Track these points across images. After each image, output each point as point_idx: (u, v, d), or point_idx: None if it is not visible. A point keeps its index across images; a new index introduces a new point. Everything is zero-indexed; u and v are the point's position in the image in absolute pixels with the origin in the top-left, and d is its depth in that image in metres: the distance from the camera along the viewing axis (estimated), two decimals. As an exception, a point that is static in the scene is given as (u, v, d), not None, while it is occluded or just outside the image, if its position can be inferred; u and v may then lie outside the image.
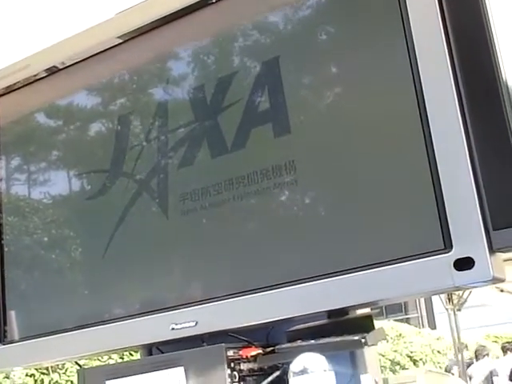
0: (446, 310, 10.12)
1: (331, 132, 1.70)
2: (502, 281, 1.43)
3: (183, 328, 1.74)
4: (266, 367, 1.69)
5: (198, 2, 1.90)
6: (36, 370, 5.50)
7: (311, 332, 1.64)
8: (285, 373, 1.58)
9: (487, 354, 9.88)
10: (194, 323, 1.73)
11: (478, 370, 9.48)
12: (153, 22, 1.98)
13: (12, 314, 2.14)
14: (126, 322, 1.87)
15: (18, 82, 2.23)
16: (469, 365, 10.19)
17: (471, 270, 1.39)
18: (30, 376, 5.53)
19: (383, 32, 1.64)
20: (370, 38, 1.66)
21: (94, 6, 2.28)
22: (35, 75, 2.20)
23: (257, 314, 1.66)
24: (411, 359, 11.06)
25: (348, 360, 1.66)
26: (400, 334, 11.24)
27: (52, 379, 5.63)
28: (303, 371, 1.45)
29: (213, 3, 1.89)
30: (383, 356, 10.15)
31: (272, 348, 1.67)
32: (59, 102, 2.21)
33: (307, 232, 1.67)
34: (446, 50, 1.48)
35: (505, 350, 9.98)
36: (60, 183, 2.18)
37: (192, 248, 1.85)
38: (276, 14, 1.82)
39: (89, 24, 2.09)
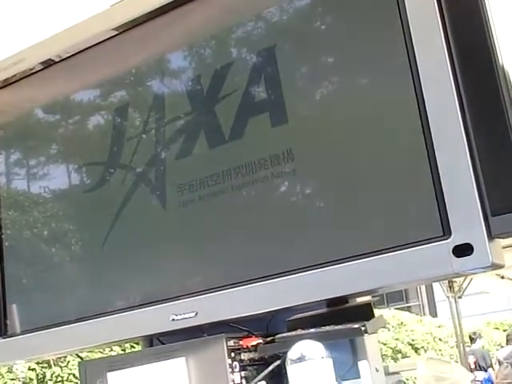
0: (447, 297, 10.14)
1: (328, 121, 1.70)
2: (502, 267, 1.42)
3: (183, 319, 1.74)
4: (266, 357, 1.69)
5: (193, -8, 1.89)
6: (37, 363, 5.51)
7: (311, 321, 1.64)
8: (285, 362, 1.59)
9: None
10: (193, 314, 1.73)
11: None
12: (148, 13, 1.97)
13: (13, 308, 2.14)
14: (126, 313, 1.87)
15: (14, 76, 2.22)
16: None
17: (470, 257, 1.39)
18: (32, 370, 5.54)
19: (380, 20, 1.63)
20: (367, 27, 1.66)
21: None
22: (31, 69, 2.20)
23: (257, 304, 1.67)
24: (413, 347, 11.09)
25: (348, 348, 1.66)
26: (401, 323, 11.26)
27: (54, 373, 5.64)
28: (301, 358, 1.45)
29: (208, -7, 1.89)
30: (385, 344, 10.17)
31: (272, 337, 1.68)
32: (56, 95, 2.20)
33: (306, 221, 1.67)
34: (444, 40, 1.47)
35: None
36: (58, 177, 2.18)
37: (191, 238, 1.85)
38: (272, 2, 1.81)
39: (84, 16, 2.08)
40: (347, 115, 1.66)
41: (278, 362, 1.65)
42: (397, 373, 1.74)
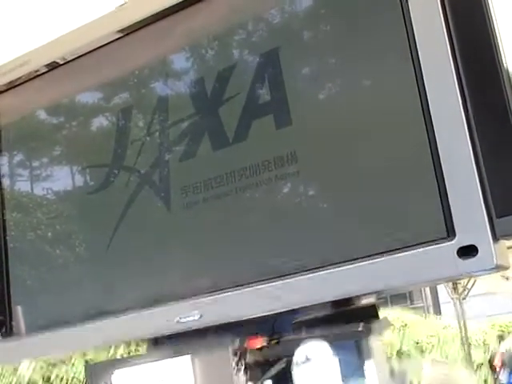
0: (452, 299, 10.13)
1: (332, 122, 1.70)
2: (506, 268, 1.42)
3: (188, 321, 1.74)
4: (271, 358, 1.70)
5: (196, -6, 1.90)
6: (44, 363, 5.51)
7: (316, 322, 1.64)
8: (290, 363, 1.59)
9: None
10: (199, 315, 1.73)
11: None
12: (153, 16, 1.97)
13: (18, 309, 2.14)
14: (130, 315, 1.87)
15: (19, 78, 2.23)
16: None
17: (475, 258, 1.39)
18: (40, 368, 5.55)
19: (383, 21, 1.64)
20: (371, 29, 1.66)
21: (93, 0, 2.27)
22: (36, 71, 2.20)
23: (261, 306, 1.66)
24: (417, 349, 11.07)
25: (353, 350, 1.66)
26: (406, 324, 11.25)
27: (60, 373, 5.64)
28: (307, 360, 1.46)
29: (212, -5, 1.89)
30: (389, 346, 10.15)
31: (277, 339, 1.68)
32: (60, 97, 2.21)
33: (310, 222, 1.67)
34: (448, 43, 1.47)
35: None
36: (62, 178, 2.18)
37: (195, 240, 1.85)
38: (275, 4, 1.82)
39: (89, 18, 2.09)
40: (351, 117, 1.66)
41: (284, 363, 1.65)
42: (402, 374, 1.74)
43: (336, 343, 1.52)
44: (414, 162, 1.53)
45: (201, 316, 1.73)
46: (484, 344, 11.94)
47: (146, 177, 1.93)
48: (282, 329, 1.71)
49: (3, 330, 2.11)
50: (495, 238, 1.39)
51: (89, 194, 2.06)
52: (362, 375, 1.59)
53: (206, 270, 1.82)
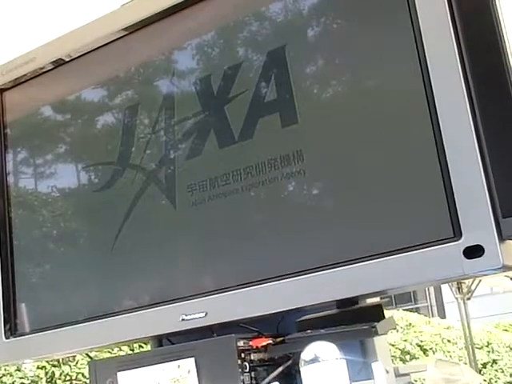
0: (456, 299, 10.10)
1: (339, 121, 1.69)
2: (512, 268, 1.42)
3: (193, 319, 1.74)
4: (276, 357, 1.69)
5: (203, -8, 1.90)
6: (47, 362, 5.51)
7: (321, 321, 1.64)
8: (295, 363, 1.58)
9: None
10: (203, 314, 1.73)
11: None
12: (158, 13, 1.97)
13: (22, 307, 2.14)
14: (135, 313, 1.87)
15: (25, 75, 2.23)
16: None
17: (481, 258, 1.39)
18: (42, 368, 5.54)
19: (391, 19, 1.63)
20: (378, 27, 1.65)
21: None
22: (41, 68, 2.20)
23: (267, 305, 1.66)
24: (421, 348, 11.05)
25: (358, 349, 1.66)
26: (410, 324, 11.22)
27: (63, 371, 5.64)
28: (314, 359, 1.45)
29: (218, -7, 1.89)
30: (393, 345, 10.14)
31: (282, 338, 1.68)
32: (66, 94, 2.21)
33: (317, 221, 1.67)
34: (456, 46, 1.47)
35: None
36: (68, 176, 2.18)
37: (201, 239, 1.85)
38: (282, 2, 1.81)
39: (94, 16, 2.09)
40: (358, 116, 1.66)
41: (289, 363, 1.65)
42: (406, 374, 1.73)
43: (342, 343, 1.51)
44: (420, 162, 1.53)
45: (206, 314, 1.72)
46: (488, 344, 11.91)
47: (151, 175, 1.93)
48: (287, 328, 1.70)
49: (7, 327, 2.11)
50: (501, 238, 1.38)
51: (94, 192, 2.06)
52: (368, 375, 1.58)
53: (211, 268, 1.82)
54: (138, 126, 2.01)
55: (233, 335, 1.65)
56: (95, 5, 2.11)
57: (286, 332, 1.68)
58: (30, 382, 5.44)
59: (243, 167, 1.75)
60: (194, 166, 1.86)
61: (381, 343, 1.68)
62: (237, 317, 1.71)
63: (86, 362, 2.00)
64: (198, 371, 1.68)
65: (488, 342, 11.84)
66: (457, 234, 1.42)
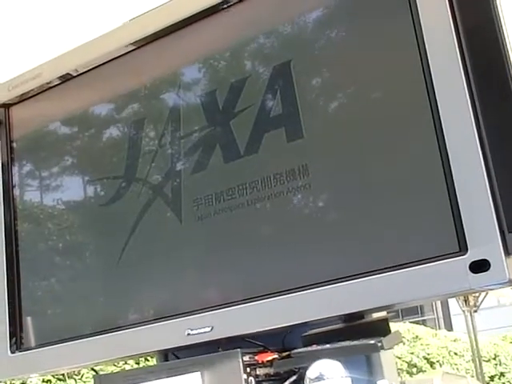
0: (463, 311, 10.07)
1: (344, 135, 1.70)
2: (519, 282, 1.42)
3: (199, 333, 1.74)
4: (282, 372, 1.69)
5: (209, 8, 1.90)
6: (52, 376, 5.51)
7: (327, 336, 1.63)
8: (301, 377, 1.58)
9: None
10: (209, 328, 1.73)
11: None
12: (165, 29, 1.98)
13: (28, 321, 2.14)
14: (141, 327, 1.87)
15: (32, 90, 2.24)
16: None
17: (487, 273, 1.39)
18: (47, 382, 5.55)
19: (395, 34, 1.64)
20: (383, 42, 1.66)
21: (106, 13, 2.29)
22: (48, 83, 2.21)
23: (273, 319, 1.66)
24: (428, 361, 11.01)
25: (364, 364, 1.65)
26: (416, 336, 11.19)
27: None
28: (319, 377, 1.45)
29: (224, 9, 1.90)
30: (400, 358, 10.10)
31: (288, 352, 1.67)
32: (73, 109, 2.21)
33: (322, 236, 1.67)
34: (462, 68, 1.48)
35: None
36: (74, 190, 2.19)
37: (207, 253, 1.85)
38: (287, 17, 1.82)
39: (101, 31, 2.10)
40: (363, 130, 1.66)
41: (294, 378, 1.65)
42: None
43: (347, 358, 1.51)
44: (426, 178, 1.53)
45: (212, 328, 1.72)
46: (495, 357, 11.86)
47: (157, 189, 1.93)
48: (293, 342, 1.70)
49: (13, 341, 2.11)
50: (507, 253, 1.38)
51: (101, 206, 2.07)
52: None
53: (217, 282, 1.82)
54: (144, 140, 2.02)
55: (238, 350, 1.65)
56: (102, 20, 2.12)
57: (292, 346, 1.67)
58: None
59: (249, 182, 1.76)
60: (199, 181, 1.87)
61: (387, 357, 1.68)
62: (243, 331, 1.70)
63: (92, 376, 2.00)
64: (203, 385, 1.68)
65: (495, 355, 11.78)
66: (463, 248, 1.42)
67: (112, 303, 2.02)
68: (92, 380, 1.95)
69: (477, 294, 9.53)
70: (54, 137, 2.28)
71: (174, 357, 1.90)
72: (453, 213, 1.45)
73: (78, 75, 2.16)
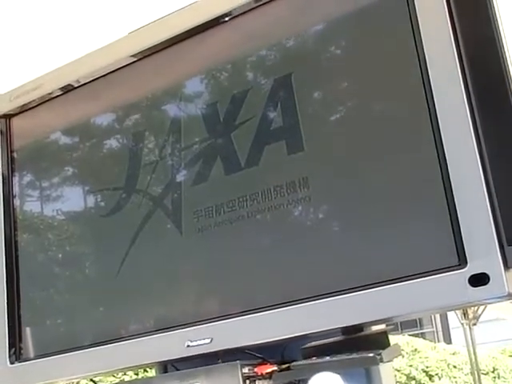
0: (462, 324, 10.05)
1: (344, 149, 1.70)
2: (518, 296, 1.42)
3: (198, 345, 1.74)
4: (282, 384, 1.69)
5: (210, 20, 1.91)
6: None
7: (326, 348, 1.63)
8: (300, 390, 1.58)
9: None
10: (209, 340, 1.72)
11: None
12: (166, 41, 1.99)
13: (27, 332, 2.14)
14: (140, 339, 1.87)
15: (33, 101, 2.25)
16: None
17: (486, 286, 1.39)
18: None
19: (395, 48, 1.64)
20: (382, 55, 1.66)
21: (108, 25, 2.30)
22: (49, 94, 2.22)
23: (272, 331, 1.66)
24: (427, 374, 10.98)
25: (364, 377, 1.65)
26: (415, 349, 11.16)
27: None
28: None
29: (225, 22, 1.90)
30: (399, 371, 10.08)
31: (287, 365, 1.67)
32: (74, 120, 2.22)
33: (321, 248, 1.67)
34: (462, 81, 1.48)
35: None
36: (74, 200, 2.19)
37: (207, 265, 1.85)
38: (288, 31, 1.83)
39: (102, 43, 2.11)
40: (363, 143, 1.66)
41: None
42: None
43: (347, 371, 1.51)
44: (425, 191, 1.53)
45: (211, 340, 1.72)
46: (494, 370, 11.82)
47: (158, 200, 1.94)
48: (292, 355, 1.70)
49: (12, 352, 2.11)
50: (506, 266, 1.38)
51: (101, 217, 2.07)
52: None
53: (217, 294, 1.82)
54: (145, 151, 2.02)
55: (238, 362, 1.65)
56: (103, 32, 2.13)
57: (291, 359, 1.67)
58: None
59: (249, 194, 1.76)
60: (200, 192, 1.87)
61: (386, 370, 1.68)
62: (242, 343, 1.70)
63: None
64: (202, 397, 1.67)
65: (494, 368, 11.74)
66: (462, 261, 1.42)
67: (111, 314, 2.01)
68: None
69: (476, 308, 9.51)
70: (55, 147, 2.28)
71: (174, 368, 1.90)
72: (452, 226, 1.45)
73: (79, 86, 2.17)
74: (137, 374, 5.15)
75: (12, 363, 2.10)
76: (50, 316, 2.16)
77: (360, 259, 1.61)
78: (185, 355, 1.77)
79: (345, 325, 1.59)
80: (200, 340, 1.73)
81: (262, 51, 1.89)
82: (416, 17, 1.57)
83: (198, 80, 2.00)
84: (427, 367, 11.02)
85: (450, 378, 11.26)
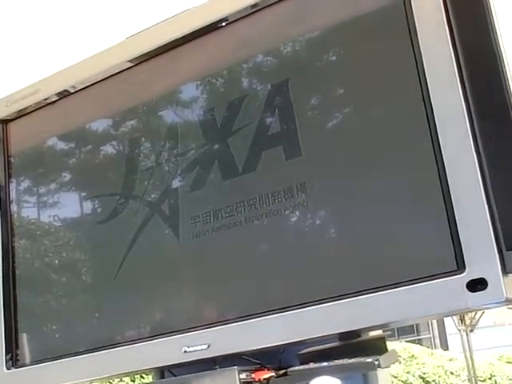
0: (459, 330, 10.07)
1: (342, 154, 1.70)
2: (516, 301, 1.42)
3: (195, 351, 1.73)
4: (279, 390, 1.68)
5: (207, 25, 1.91)
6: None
7: (324, 354, 1.63)
8: (298, 396, 1.58)
9: None
10: (206, 346, 1.72)
11: None
12: (163, 46, 1.99)
13: (24, 338, 2.14)
14: (137, 345, 1.86)
15: (30, 106, 2.25)
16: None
17: (484, 292, 1.38)
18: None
19: (393, 53, 1.65)
20: (381, 61, 1.66)
21: (104, 30, 2.30)
22: (46, 99, 2.22)
23: (270, 337, 1.66)
24: (424, 380, 10.98)
25: (361, 382, 1.65)
26: (412, 355, 11.16)
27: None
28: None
29: (222, 27, 1.90)
30: (396, 377, 10.08)
31: (285, 370, 1.67)
32: (71, 125, 2.22)
33: (319, 254, 1.67)
34: (461, 92, 1.48)
35: None
36: (71, 207, 2.19)
37: (204, 271, 1.85)
38: (285, 36, 1.83)
39: (99, 48, 2.11)
40: (361, 148, 1.66)
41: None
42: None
43: (344, 376, 1.50)
44: (424, 195, 1.53)
45: (208, 346, 1.72)
46: (491, 376, 11.83)
47: (155, 206, 1.93)
48: (290, 360, 1.70)
49: (8, 358, 2.10)
50: (505, 271, 1.38)
51: (98, 223, 2.07)
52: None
53: (214, 300, 1.82)
54: (142, 158, 2.02)
55: (235, 367, 1.65)
56: (100, 37, 2.13)
57: (289, 364, 1.67)
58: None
59: (247, 199, 1.76)
60: (197, 198, 1.87)
61: (383, 376, 1.67)
62: (239, 349, 1.70)
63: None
64: (199, 404, 1.67)
65: (491, 375, 11.75)
66: (460, 266, 1.42)
67: (108, 320, 2.01)
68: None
69: (473, 314, 9.52)
70: (52, 153, 2.28)
71: (170, 374, 1.89)
72: (451, 231, 1.44)
73: (76, 92, 2.17)
74: (133, 381, 5.14)
75: (8, 369, 2.09)
76: (47, 322, 2.15)
77: (357, 265, 1.60)
78: (182, 361, 1.77)
79: (342, 330, 1.59)
80: (197, 346, 1.73)
81: (258, 57, 1.89)
82: (415, 25, 1.57)
83: (194, 86, 1.99)
84: (424, 373, 11.02)
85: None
